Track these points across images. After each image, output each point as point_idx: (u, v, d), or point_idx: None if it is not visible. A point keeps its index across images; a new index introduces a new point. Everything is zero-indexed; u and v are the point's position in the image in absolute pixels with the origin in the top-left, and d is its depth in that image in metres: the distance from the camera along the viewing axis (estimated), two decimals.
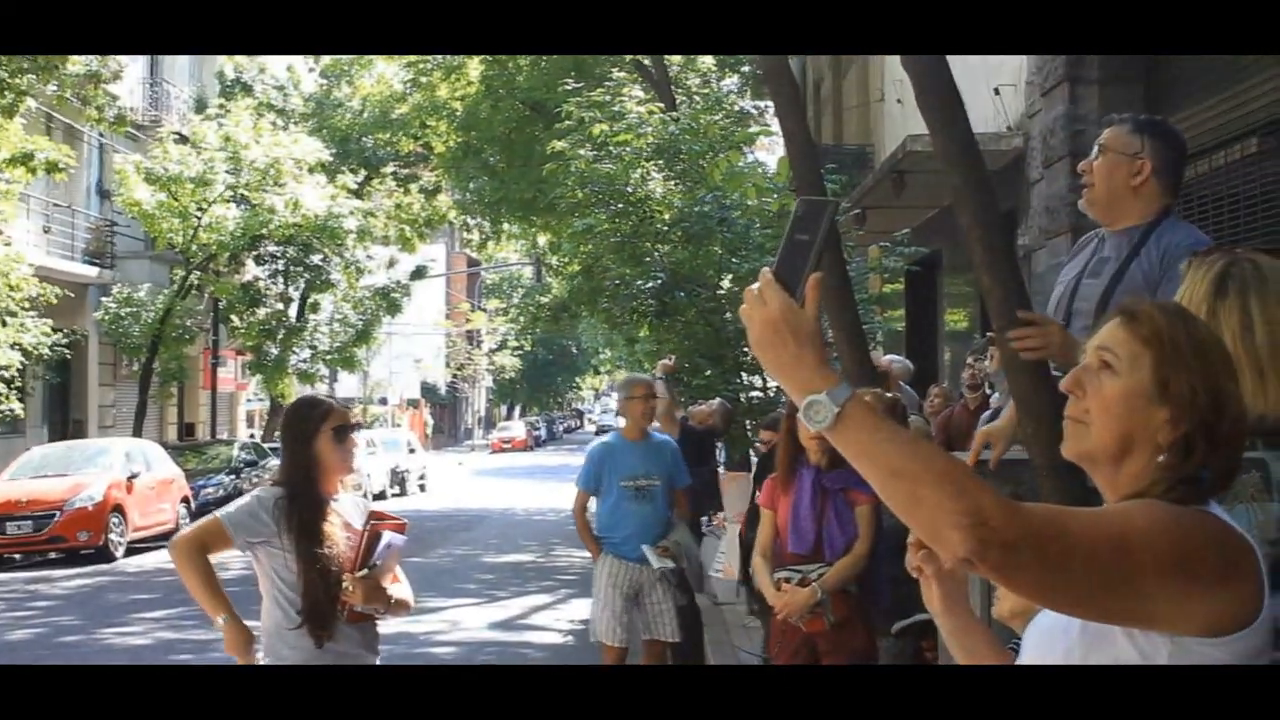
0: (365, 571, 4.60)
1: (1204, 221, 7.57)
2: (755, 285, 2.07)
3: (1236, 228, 7.84)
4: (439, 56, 25.60)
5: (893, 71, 15.72)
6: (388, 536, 4.68)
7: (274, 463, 22.92)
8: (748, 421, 13.31)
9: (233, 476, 26.14)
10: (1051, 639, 2.15)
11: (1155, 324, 2.16)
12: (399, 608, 4.80)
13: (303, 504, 4.60)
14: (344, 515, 4.72)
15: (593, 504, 8.72)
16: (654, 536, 8.29)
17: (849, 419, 1.97)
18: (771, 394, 12.96)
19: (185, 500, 23.80)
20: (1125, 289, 4.02)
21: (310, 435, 4.66)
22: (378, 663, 4.80)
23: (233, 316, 33.02)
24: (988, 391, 9.52)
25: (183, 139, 30.27)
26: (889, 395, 6.79)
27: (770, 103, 12.14)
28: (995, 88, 11.94)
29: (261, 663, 4.66)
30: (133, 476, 21.98)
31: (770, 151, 25.62)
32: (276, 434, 15.59)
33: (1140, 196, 4.19)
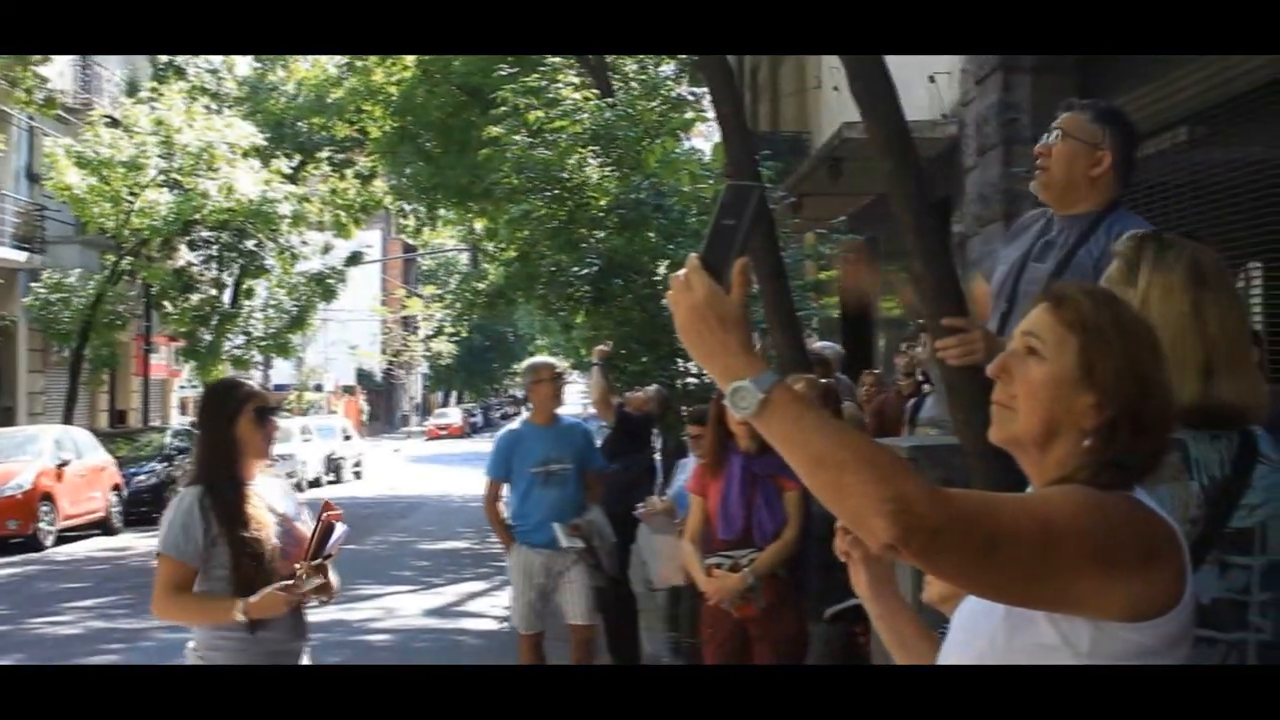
0: (319, 561, 4.54)
1: (1132, 209, 7.63)
2: (682, 271, 2.05)
3: (1167, 216, 7.90)
4: None
5: (829, 59, 15.76)
6: (340, 527, 4.64)
7: None
8: (683, 408, 13.32)
9: (165, 464, 25.81)
10: (976, 623, 2.15)
11: (1081, 309, 2.16)
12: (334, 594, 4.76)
13: (224, 492, 4.52)
14: (266, 499, 4.65)
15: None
16: (566, 521, 8.13)
17: (773, 406, 1.96)
18: (707, 381, 12.97)
19: (116, 488, 23.56)
20: (1073, 276, 4.02)
21: (233, 416, 4.56)
22: (306, 650, 4.75)
23: (165, 302, 32.63)
24: (919, 378, 9.58)
25: (114, 122, 29.89)
26: (823, 381, 6.81)
27: (707, 89, 12.15)
28: (930, 76, 11.99)
29: (192, 653, 4.59)
30: (62, 464, 21.70)
31: (706, 138, 25.64)
32: None
33: (1096, 186, 4.21)
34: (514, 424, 8.79)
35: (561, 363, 8.84)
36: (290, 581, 4.47)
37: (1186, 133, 8.16)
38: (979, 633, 2.14)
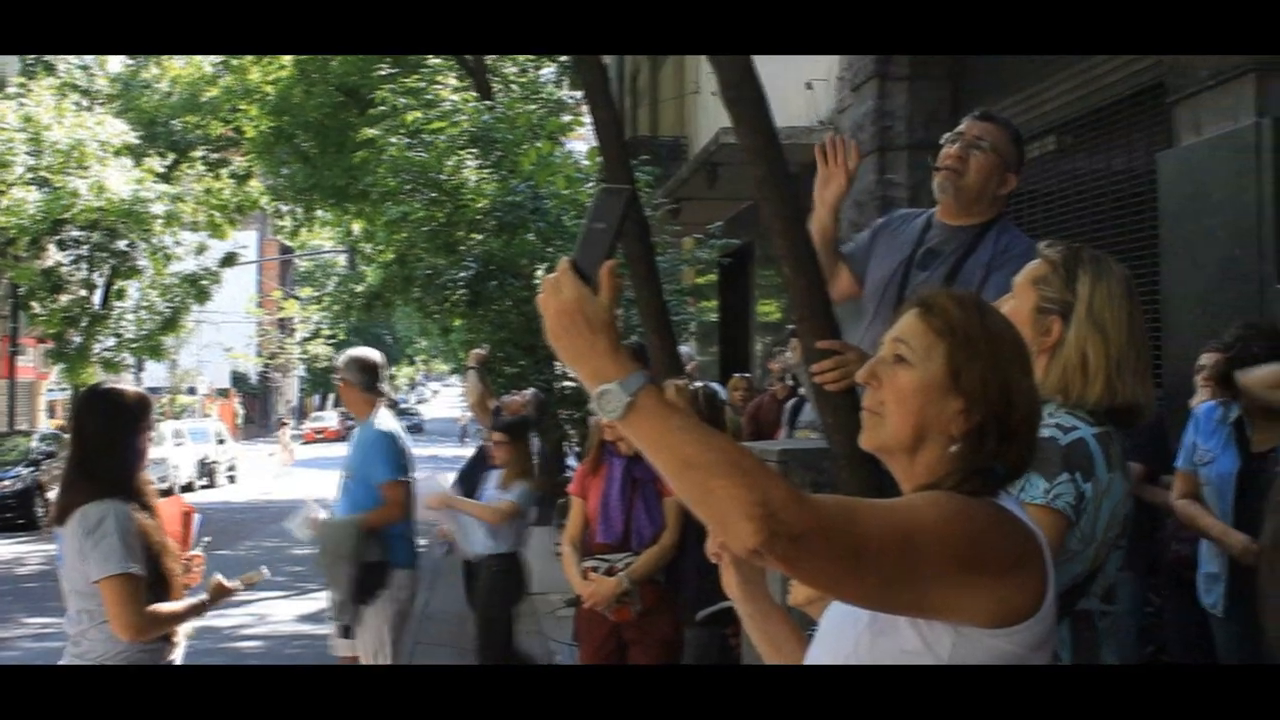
0: (198, 551, 4.88)
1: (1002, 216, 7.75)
2: (553, 274, 2.05)
3: (1035, 223, 8.04)
4: None
5: (708, 64, 15.84)
6: (197, 516, 4.95)
7: None
8: (560, 411, 13.32)
9: (31, 469, 25.18)
10: (841, 627, 2.16)
11: (949, 315, 2.17)
12: None
13: (142, 501, 4.46)
14: None
15: None
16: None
17: (640, 409, 1.95)
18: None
19: None
20: (962, 286, 4.07)
21: (142, 426, 4.51)
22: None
23: (33, 303, 31.93)
24: (790, 382, 9.67)
25: None
26: (696, 386, 6.82)
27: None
28: (807, 83, 12.10)
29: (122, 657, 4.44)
30: None
31: (585, 141, 25.67)
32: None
33: (994, 203, 4.28)
34: None
35: (372, 355, 7.60)
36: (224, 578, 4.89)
37: (1054, 142, 8.31)
38: (844, 637, 2.15)
